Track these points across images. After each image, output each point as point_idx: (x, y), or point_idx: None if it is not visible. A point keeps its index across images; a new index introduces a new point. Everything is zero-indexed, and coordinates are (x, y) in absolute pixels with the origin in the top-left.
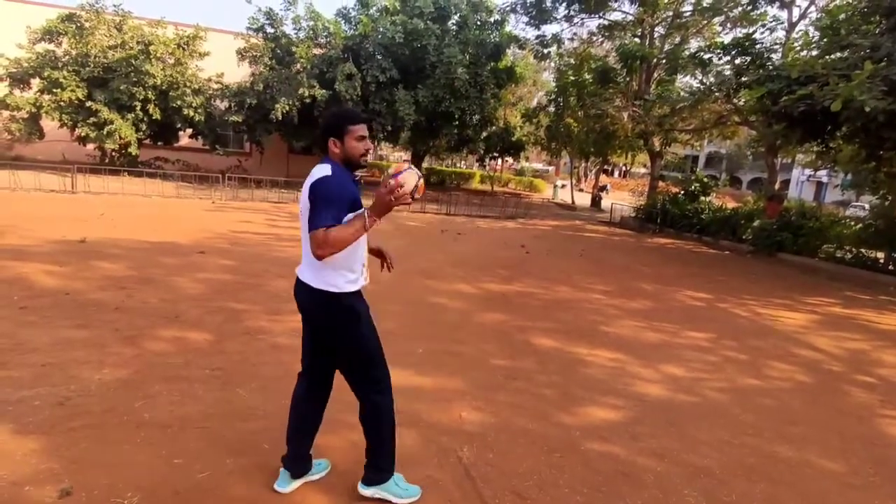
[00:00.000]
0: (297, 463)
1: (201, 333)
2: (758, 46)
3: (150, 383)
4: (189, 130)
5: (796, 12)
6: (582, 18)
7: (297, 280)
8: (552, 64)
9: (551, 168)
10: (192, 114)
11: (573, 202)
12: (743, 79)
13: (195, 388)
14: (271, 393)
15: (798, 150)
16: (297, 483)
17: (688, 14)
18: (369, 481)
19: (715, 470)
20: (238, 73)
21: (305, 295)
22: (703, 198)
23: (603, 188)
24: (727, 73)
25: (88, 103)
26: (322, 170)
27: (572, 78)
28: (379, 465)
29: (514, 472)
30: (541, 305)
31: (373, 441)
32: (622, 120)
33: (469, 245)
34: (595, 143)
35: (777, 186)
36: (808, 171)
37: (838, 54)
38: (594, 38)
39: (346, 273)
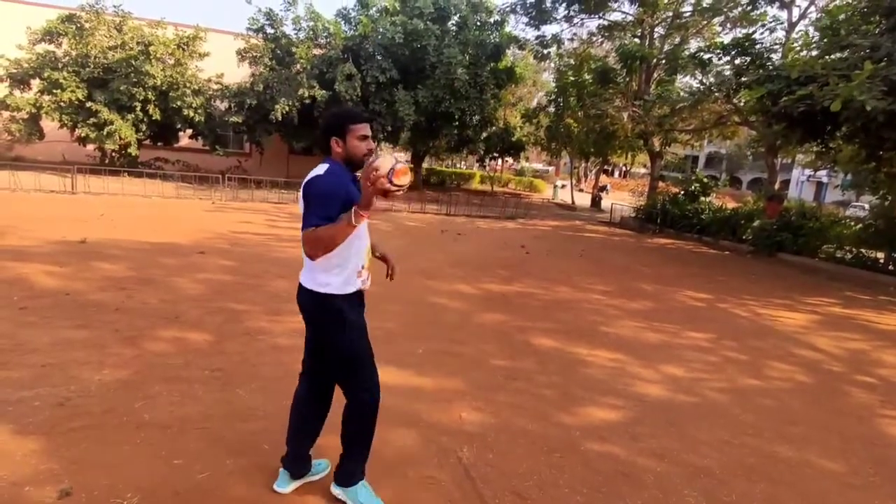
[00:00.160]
0: (297, 463)
1: (201, 334)
2: (757, 46)
3: (150, 384)
4: (189, 131)
5: (796, 12)
6: (582, 19)
7: (299, 281)
8: (552, 64)
9: (551, 168)
10: (191, 114)
11: (573, 202)
12: (743, 79)
13: (195, 388)
14: (271, 393)
15: (798, 151)
16: (297, 483)
17: (688, 14)
18: (339, 481)
19: (715, 470)
20: (238, 74)
21: (300, 294)
22: (703, 198)
23: (603, 188)
24: (727, 73)
25: (88, 104)
26: (317, 169)
27: (572, 78)
28: (349, 469)
29: (514, 473)
30: (541, 306)
31: (350, 440)
32: (622, 120)
33: (469, 245)
34: (595, 144)
35: (777, 186)
36: (808, 172)
37: (838, 54)
38: (594, 39)
39: (338, 274)
